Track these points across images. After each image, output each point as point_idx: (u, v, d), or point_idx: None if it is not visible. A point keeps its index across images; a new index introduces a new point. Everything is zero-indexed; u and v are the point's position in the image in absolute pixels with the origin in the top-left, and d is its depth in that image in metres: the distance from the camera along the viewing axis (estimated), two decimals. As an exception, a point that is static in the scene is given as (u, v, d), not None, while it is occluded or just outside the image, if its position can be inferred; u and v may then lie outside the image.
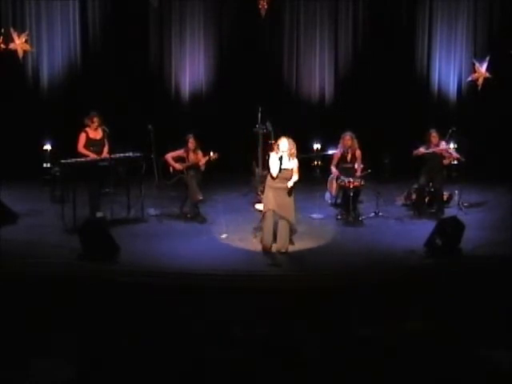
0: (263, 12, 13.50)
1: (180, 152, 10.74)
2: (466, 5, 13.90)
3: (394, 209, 11.25)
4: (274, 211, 9.06)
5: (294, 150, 9.02)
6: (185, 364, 5.77)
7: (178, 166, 10.66)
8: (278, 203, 9.03)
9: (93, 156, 10.32)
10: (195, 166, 10.65)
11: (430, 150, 10.84)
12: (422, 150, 10.86)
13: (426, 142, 10.93)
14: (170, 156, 10.72)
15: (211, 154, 10.57)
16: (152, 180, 10.78)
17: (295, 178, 9.06)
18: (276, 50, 14.19)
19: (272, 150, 9.24)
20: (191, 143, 10.67)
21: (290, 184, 9.05)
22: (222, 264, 8.80)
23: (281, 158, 8.91)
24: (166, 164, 10.73)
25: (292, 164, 9.04)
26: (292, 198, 9.15)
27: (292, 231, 9.33)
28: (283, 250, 9.17)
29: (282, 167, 8.95)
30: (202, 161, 10.59)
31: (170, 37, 14.01)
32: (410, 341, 6.32)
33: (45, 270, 8.47)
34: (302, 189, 10.04)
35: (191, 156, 10.68)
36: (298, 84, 14.31)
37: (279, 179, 9.01)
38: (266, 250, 9.17)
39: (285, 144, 8.96)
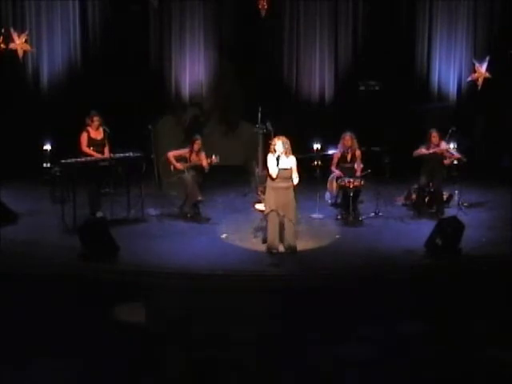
0: (263, 12, 13.48)
1: (183, 151, 10.72)
2: (466, 5, 13.89)
3: (394, 209, 11.23)
4: (276, 211, 9.06)
5: (289, 148, 9.03)
6: (185, 364, 5.77)
7: (178, 165, 10.65)
8: (280, 203, 9.03)
9: (96, 156, 10.32)
10: (196, 167, 10.65)
11: (431, 150, 10.84)
12: (423, 150, 10.85)
13: (427, 142, 10.92)
14: (172, 154, 10.70)
15: (213, 157, 10.55)
16: (152, 180, 10.77)
17: (296, 175, 9.08)
18: (276, 50, 14.19)
19: (269, 151, 9.23)
20: (197, 144, 10.64)
21: (295, 181, 9.07)
22: (222, 264, 8.79)
23: (278, 158, 8.93)
24: (168, 162, 10.72)
25: (290, 162, 9.05)
26: (293, 196, 9.16)
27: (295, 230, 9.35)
28: (291, 250, 9.16)
29: (281, 167, 8.96)
30: (204, 162, 10.57)
31: (170, 37, 14.01)
32: (410, 341, 6.33)
33: (45, 270, 8.47)
34: (302, 189, 10.02)
35: (193, 157, 10.67)
36: (297, 84, 14.30)
37: (279, 179, 9.02)
38: (272, 251, 9.13)
39: (280, 145, 8.98)
